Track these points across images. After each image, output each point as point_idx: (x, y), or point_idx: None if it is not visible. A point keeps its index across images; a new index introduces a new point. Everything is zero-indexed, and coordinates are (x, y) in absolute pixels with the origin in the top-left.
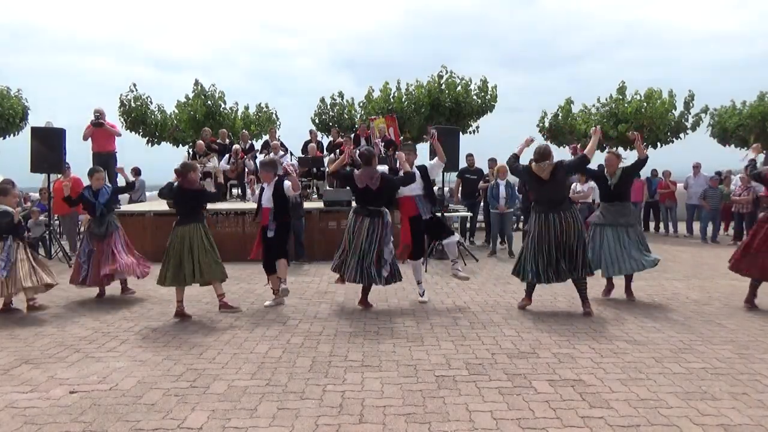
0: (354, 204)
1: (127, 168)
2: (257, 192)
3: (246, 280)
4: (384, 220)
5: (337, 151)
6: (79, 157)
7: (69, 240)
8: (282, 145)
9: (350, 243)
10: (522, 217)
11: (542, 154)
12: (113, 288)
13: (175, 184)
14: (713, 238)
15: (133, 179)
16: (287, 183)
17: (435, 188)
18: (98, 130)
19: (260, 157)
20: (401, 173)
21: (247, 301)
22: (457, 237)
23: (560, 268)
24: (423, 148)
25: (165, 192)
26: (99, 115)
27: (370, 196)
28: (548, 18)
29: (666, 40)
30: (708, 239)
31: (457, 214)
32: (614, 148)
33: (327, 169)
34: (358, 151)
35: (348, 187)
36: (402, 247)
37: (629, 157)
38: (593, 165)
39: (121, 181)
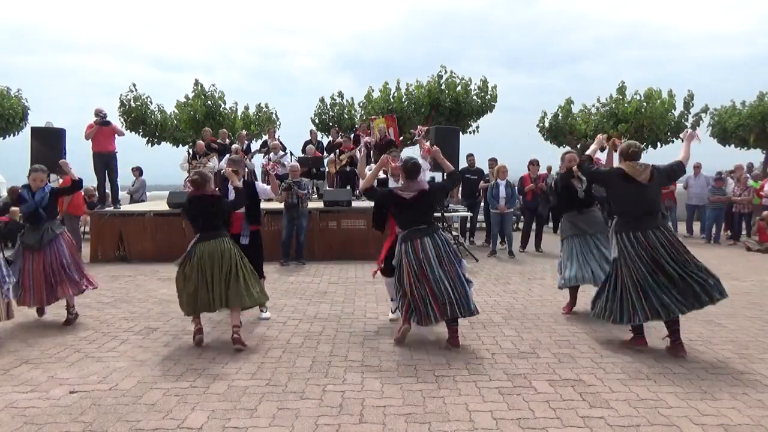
0: (397, 229)
1: (129, 167)
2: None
3: None
4: (444, 236)
5: (337, 151)
6: (79, 158)
7: (75, 241)
8: (281, 144)
9: (417, 275)
10: (522, 217)
11: (638, 151)
12: (116, 291)
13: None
14: (716, 238)
15: (79, 178)
16: (262, 186)
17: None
18: (100, 129)
19: (259, 157)
20: (444, 174)
21: None
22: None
23: (675, 296)
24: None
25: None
26: (105, 114)
27: (418, 211)
28: (549, 18)
29: (666, 41)
30: (712, 239)
31: (457, 214)
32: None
33: (327, 169)
34: (369, 149)
35: (382, 206)
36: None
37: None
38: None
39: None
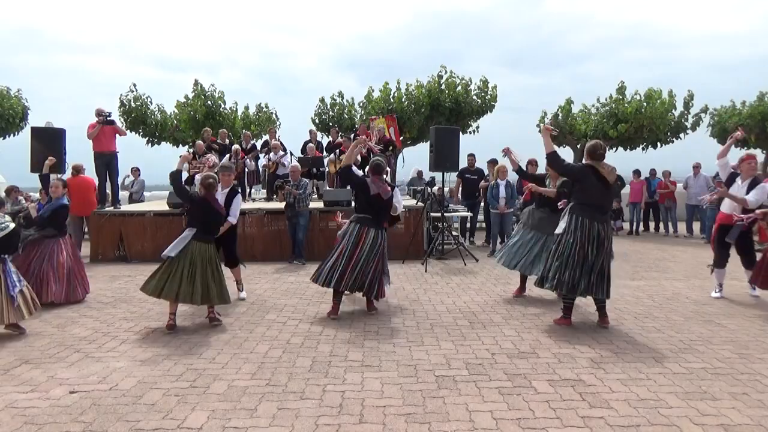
0: (357, 214)
1: (127, 168)
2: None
3: (246, 280)
4: (385, 235)
5: (337, 151)
6: (79, 157)
7: (75, 242)
8: (282, 145)
9: (349, 252)
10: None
11: (603, 153)
12: (116, 291)
13: (196, 192)
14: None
15: None
16: (237, 203)
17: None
18: (102, 129)
19: (261, 157)
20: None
21: (247, 301)
22: None
23: (590, 280)
24: (423, 148)
25: (183, 194)
26: (109, 113)
27: (378, 208)
28: (552, 19)
29: (667, 41)
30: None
31: (457, 214)
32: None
33: (327, 169)
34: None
35: (352, 189)
36: None
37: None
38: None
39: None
